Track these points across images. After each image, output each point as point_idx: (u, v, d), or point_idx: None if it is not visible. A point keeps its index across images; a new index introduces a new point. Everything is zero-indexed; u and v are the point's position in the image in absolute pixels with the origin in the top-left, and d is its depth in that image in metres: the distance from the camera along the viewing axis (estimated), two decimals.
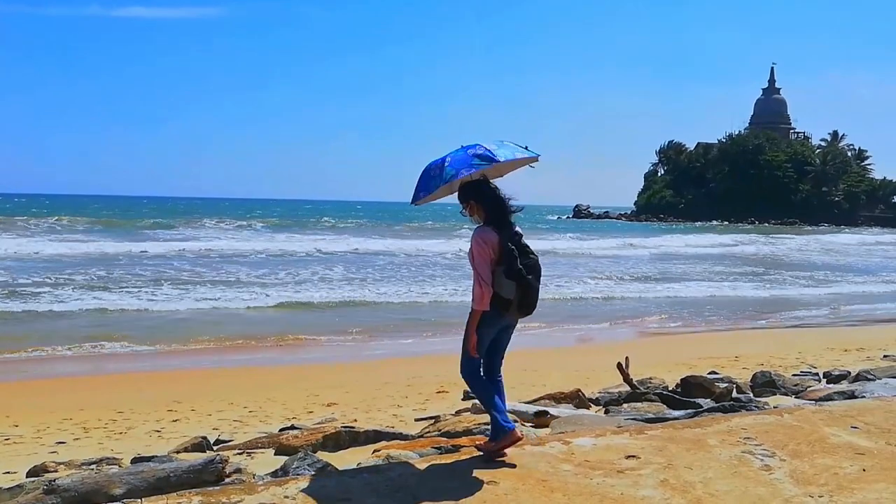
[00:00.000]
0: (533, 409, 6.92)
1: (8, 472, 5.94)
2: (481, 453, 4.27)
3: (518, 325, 4.36)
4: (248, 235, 43.13)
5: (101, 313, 15.50)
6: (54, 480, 4.30)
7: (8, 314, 15.22)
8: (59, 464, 5.86)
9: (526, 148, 4.30)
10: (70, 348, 12.44)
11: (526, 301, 4.03)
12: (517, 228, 4.17)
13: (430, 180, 4.07)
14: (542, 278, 4.16)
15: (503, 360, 4.38)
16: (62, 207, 74.80)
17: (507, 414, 4.30)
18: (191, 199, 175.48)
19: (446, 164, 4.01)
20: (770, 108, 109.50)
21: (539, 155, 4.36)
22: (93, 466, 5.67)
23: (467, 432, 5.94)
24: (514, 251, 4.01)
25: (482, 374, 4.29)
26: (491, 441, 4.28)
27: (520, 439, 4.25)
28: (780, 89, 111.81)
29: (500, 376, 4.37)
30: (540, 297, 4.13)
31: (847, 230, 76.08)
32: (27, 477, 5.53)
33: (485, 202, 4.11)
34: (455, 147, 4.17)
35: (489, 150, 4.07)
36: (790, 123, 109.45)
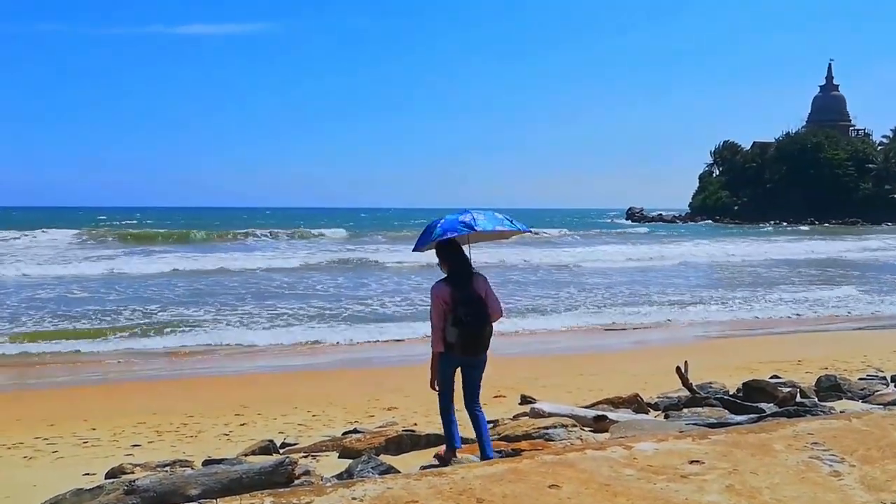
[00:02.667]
0: (592, 413, 6.93)
1: (87, 474, 6.22)
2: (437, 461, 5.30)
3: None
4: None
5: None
6: (134, 481, 4.50)
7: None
8: (136, 465, 6.11)
9: (511, 222, 5.31)
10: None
11: (467, 344, 4.91)
12: (476, 283, 5.03)
13: (427, 236, 5.06)
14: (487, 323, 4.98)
15: (478, 395, 5.27)
16: (163, 219, 76.40)
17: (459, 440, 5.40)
18: (253, 208, 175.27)
19: (438, 225, 4.99)
20: (828, 106, 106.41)
21: (528, 230, 5.51)
22: (167, 468, 5.91)
23: (527, 436, 6.00)
24: (460, 302, 4.87)
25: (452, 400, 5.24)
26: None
27: (448, 460, 5.20)
28: (838, 86, 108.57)
29: (479, 408, 5.25)
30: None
31: None
32: (106, 478, 5.79)
33: (448, 261, 5.06)
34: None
35: (474, 219, 5.01)
36: (850, 120, 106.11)
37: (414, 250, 5.22)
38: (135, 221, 71.98)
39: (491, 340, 5.11)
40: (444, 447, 5.54)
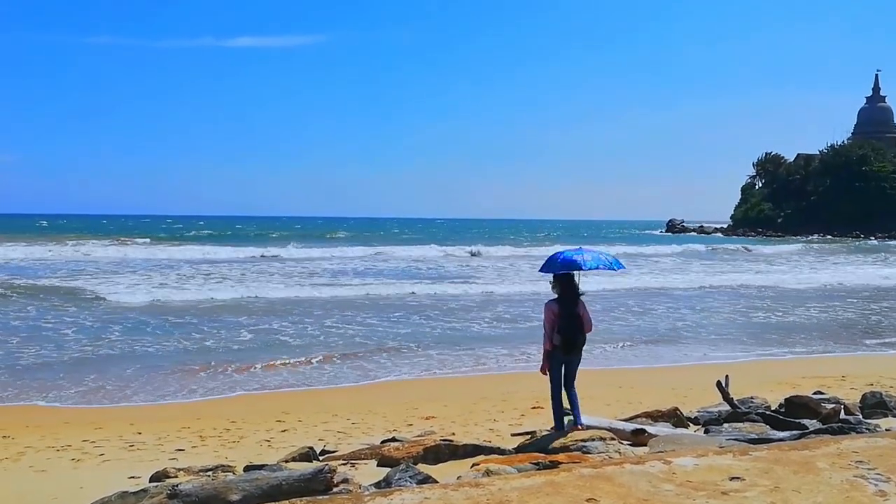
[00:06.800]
0: (630, 426, 6.88)
1: (133, 477, 6.37)
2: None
3: None
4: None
5: None
6: (177, 486, 4.58)
7: None
8: (179, 470, 6.22)
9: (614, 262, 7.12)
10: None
11: (567, 346, 6.66)
12: (578, 305, 6.74)
13: (570, 265, 6.74)
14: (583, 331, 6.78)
15: (574, 378, 6.88)
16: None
17: (566, 420, 6.86)
18: (324, 218, 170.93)
19: (587, 260, 6.73)
20: (875, 117, 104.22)
21: (623, 268, 7.64)
22: (209, 473, 6.01)
23: (564, 448, 5.98)
24: (565, 316, 6.64)
25: (562, 386, 6.87)
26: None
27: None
28: (885, 97, 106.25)
29: (574, 389, 6.86)
30: None
31: None
32: (150, 482, 5.91)
33: (562, 287, 6.75)
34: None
35: (610, 261, 6.98)
36: None
37: (540, 271, 7.04)
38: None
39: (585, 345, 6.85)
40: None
